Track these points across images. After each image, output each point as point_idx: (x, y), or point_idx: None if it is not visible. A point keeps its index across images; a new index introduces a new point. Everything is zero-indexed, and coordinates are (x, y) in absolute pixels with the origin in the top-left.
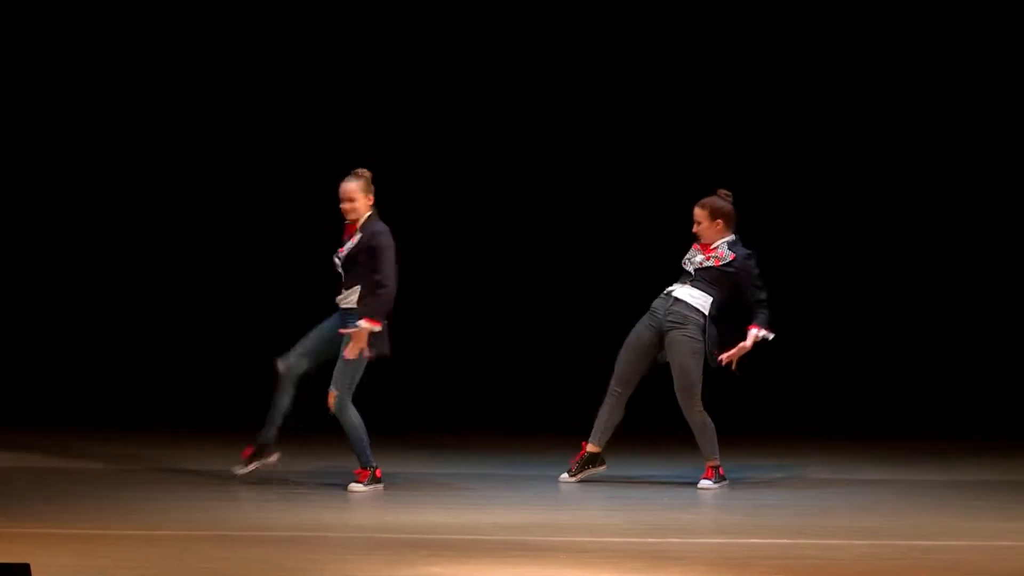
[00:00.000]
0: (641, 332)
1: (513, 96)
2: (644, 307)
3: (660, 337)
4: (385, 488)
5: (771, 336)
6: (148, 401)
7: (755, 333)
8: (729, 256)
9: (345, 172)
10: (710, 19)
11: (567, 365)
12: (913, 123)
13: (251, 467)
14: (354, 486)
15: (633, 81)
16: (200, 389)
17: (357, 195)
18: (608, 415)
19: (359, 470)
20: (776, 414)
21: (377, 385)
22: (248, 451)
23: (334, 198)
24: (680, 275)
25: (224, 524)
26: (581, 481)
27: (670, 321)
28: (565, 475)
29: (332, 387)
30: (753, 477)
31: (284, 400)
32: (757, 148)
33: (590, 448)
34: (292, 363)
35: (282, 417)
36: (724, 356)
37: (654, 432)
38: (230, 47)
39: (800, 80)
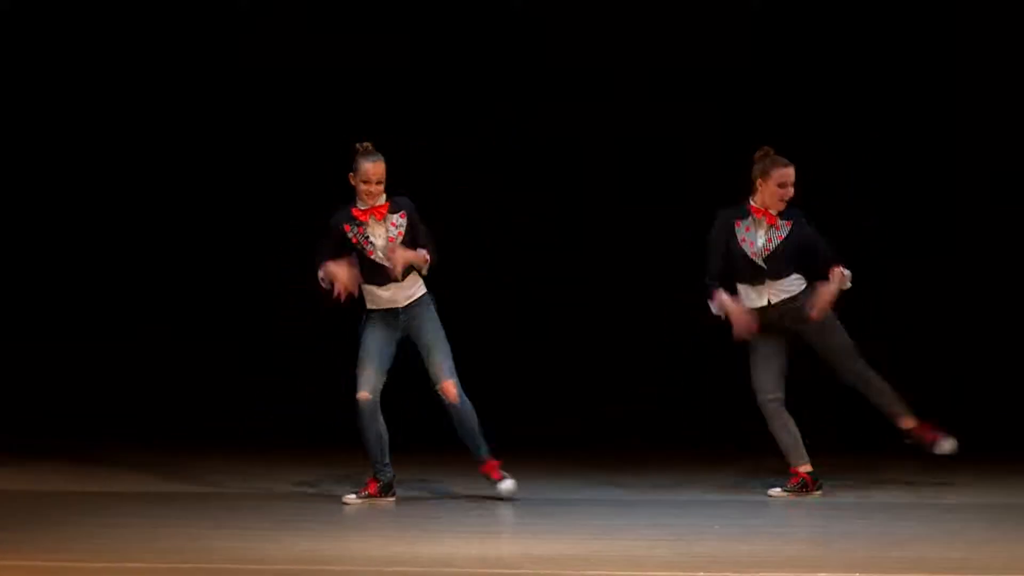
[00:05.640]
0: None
1: (514, 98)
2: (642, 307)
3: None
4: (394, 507)
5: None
6: (114, 411)
7: (839, 272)
8: (786, 224)
9: (342, 171)
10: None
11: (568, 369)
12: None
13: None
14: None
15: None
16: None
17: (384, 176)
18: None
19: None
20: (855, 426)
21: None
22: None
23: (333, 197)
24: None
25: (211, 555)
26: None
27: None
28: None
29: (449, 376)
30: (820, 500)
31: (378, 431)
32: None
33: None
34: (373, 385)
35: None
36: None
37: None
38: (229, 46)
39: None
